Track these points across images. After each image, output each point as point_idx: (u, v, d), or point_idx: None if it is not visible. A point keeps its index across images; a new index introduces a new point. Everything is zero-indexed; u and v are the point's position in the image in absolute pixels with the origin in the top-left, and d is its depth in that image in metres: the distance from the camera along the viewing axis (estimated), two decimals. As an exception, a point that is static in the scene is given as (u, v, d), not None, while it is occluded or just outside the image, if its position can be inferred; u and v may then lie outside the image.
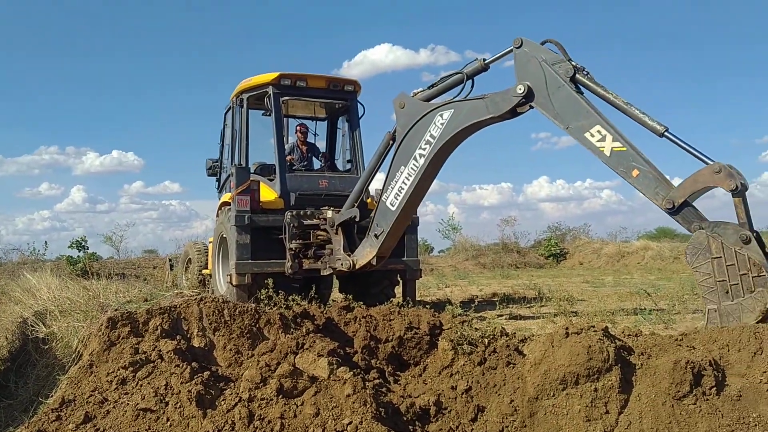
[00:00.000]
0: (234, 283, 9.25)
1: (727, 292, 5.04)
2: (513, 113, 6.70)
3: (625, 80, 50.00)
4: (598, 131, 5.94)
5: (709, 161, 5.37)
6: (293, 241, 9.34)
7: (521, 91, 6.45)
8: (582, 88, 6.29)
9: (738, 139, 52.92)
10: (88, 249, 22.81)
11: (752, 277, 4.93)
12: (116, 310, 4.99)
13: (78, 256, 22.02)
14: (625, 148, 5.78)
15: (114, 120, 55.37)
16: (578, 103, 6.14)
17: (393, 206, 7.79)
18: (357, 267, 8.59)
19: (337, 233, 9.04)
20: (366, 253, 8.42)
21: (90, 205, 52.59)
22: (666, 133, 5.66)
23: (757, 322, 4.77)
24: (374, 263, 8.45)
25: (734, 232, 5.08)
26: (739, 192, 5.16)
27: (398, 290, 10.80)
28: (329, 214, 9.24)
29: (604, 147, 5.90)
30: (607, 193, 53.57)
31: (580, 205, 53.07)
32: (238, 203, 9.42)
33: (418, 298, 10.89)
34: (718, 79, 53.39)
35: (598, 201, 52.97)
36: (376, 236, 8.15)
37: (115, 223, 53.11)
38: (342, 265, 8.74)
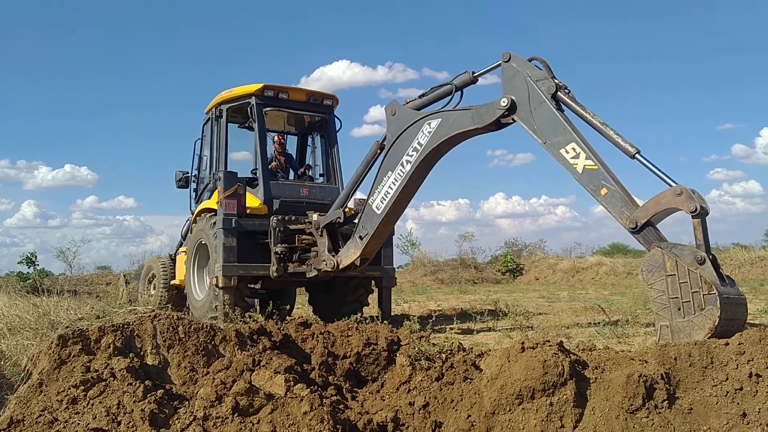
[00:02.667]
0: (220, 285, 9.28)
1: (679, 309, 5.10)
2: (497, 125, 6.92)
3: (583, 96, 50.86)
4: (573, 148, 6.11)
5: (672, 184, 5.50)
6: (279, 245, 9.49)
7: (505, 104, 6.66)
8: (562, 106, 6.45)
9: (687, 157, 54.31)
10: (38, 265, 22.28)
11: (703, 294, 4.99)
12: (67, 327, 4.88)
13: (28, 273, 21.49)
14: (596, 167, 5.95)
15: (67, 133, 54.18)
16: (557, 120, 6.32)
17: (378, 209, 8.05)
18: (341, 267, 8.82)
19: (321, 235, 9.23)
20: (350, 254, 8.67)
21: (41, 221, 51.27)
22: (637, 155, 5.82)
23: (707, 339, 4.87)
24: (358, 264, 8.68)
25: (690, 253, 5.18)
26: (699, 214, 5.26)
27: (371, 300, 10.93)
28: (314, 216, 9.41)
29: (577, 164, 6.07)
30: (561, 210, 54.46)
31: (536, 221, 53.77)
32: (226, 206, 9.56)
33: (375, 314, 10.88)
34: (667, 96, 54.79)
35: (553, 217, 53.80)
36: (361, 238, 8.42)
37: (67, 238, 51.71)
38: (326, 265, 8.93)
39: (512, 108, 6.65)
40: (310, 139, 12.14)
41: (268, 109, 10.65)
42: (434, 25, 55.82)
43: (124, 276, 16.59)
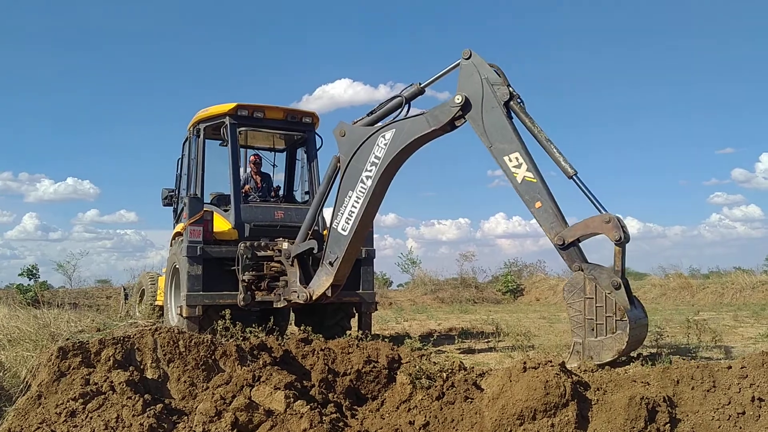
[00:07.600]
0: (184, 315, 9.04)
1: (593, 330, 5.69)
2: (452, 125, 7.01)
3: (568, 123, 50.90)
4: (516, 158, 6.38)
5: (602, 211, 6.01)
6: (246, 273, 9.21)
7: (459, 101, 6.77)
8: (513, 115, 6.63)
9: (687, 180, 54.29)
10: (39, 277, 22.33)
11: (615, 320, 5.61)
12: (67, 339, 4.88)
13: (29, 285, 21.52)
14: (535, 180, 6.26)
15: (70, 147, 54.25)
16: (506, 127, 6.52)
17: (345, 231, 7.88)
18: (314, 298, 8.52)
19: (293, 265, 8.95)
20: (322, 282, 8.39)
21: (42, 233, 51.16)
22: (574, 177, 6.20)
23: (610, 362, 5.52)
24: (329, 294, 8.41)
25: (608, 277, 5.74)
26: (621, 243, 5.78)
27: (354, 323, 10.74)
28: (285, 245, 9.17)
29: (517, 174, 6.36)
30: (562, 231, 54.17)
31: (536, 242, 53.55)
32: (191, 234, 9.27)
33: (376, 332, 10.82)
34: (667, 120, 54.87)
35: (553, 238, 53.49)
36: (331, 263, 8.16)
37: (68, 251, 51.61)
38: (299, 297, 8.66)
39: (466, 106, 6.77)
40: (298, 156, 11.81)
41: (243, 128, 10.48)
42: (436, 46, 56.11)
43: (125, 290, 16.58)
